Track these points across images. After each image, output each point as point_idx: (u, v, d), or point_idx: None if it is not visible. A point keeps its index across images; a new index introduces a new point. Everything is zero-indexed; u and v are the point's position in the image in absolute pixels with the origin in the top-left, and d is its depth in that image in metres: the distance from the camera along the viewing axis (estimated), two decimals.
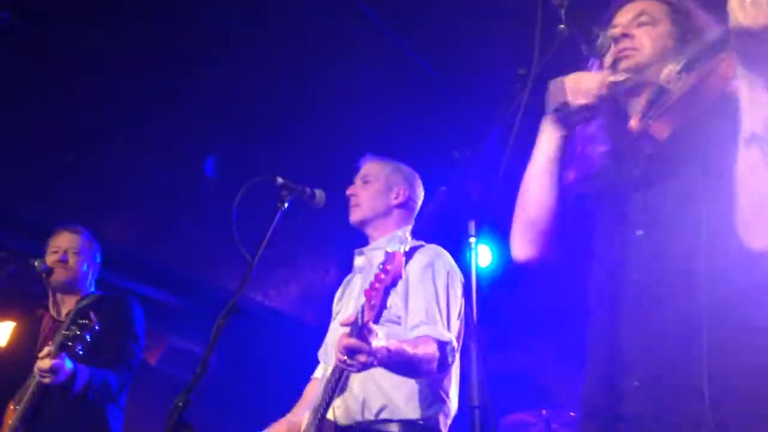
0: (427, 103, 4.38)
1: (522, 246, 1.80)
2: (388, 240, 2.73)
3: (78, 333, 2.88)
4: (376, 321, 1.93)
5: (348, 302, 2.72)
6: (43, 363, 2.86)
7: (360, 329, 2.00)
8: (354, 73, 4.23)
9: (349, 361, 2.06)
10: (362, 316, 1.99)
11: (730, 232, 1.44)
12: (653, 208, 1.64)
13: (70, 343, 2.87)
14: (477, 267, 1.28)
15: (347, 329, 2.46)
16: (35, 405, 3.03)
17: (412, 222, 2.87)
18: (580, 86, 1.64)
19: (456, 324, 2.47)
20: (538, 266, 1.82)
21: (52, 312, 3.44)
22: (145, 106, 4.46)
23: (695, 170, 1.57)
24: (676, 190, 1.61)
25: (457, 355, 2.48)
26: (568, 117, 1.71)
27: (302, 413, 2.63)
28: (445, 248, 2.63)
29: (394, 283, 1.85)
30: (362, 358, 2.04)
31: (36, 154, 4.69)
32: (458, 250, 1.47)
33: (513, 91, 1.42)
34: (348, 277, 2.93)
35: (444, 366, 2.37)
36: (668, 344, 1.54)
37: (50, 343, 2.98)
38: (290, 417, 2.65)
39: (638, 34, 1.71)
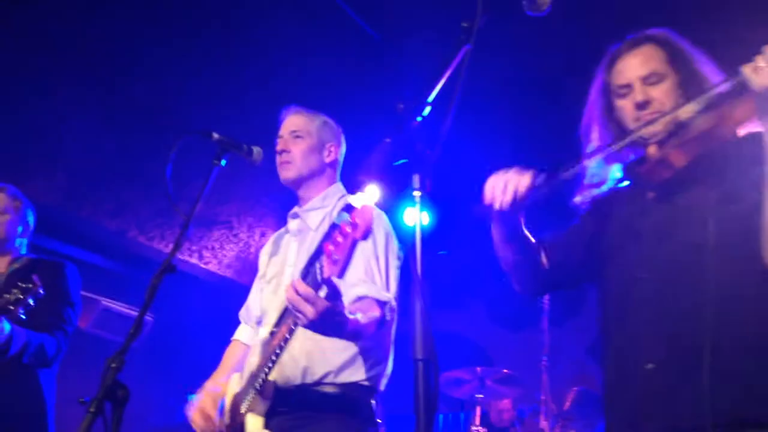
0: (367, 57, 4.32)
1: (524, 288, 2.11)
2: (323, 198, 2.67)
3: (21, 297, 2.77)
4: (340, 276, 1.85)
5: (283, 268, 2.62)
6: None
7: (318, 284, 1.92)
8: (290, 27, 4.13)
9: (302, 308, 1.96)
10: (321, 272, 1.90)
11: (737, 241, 1.68)
12: (664, 224, 1.84)
13: (11, 307, 2.76)
14: (419, 221, 1.28)
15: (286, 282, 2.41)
16: None
17: (339, 177, 2.79)
18: (491, 189, 1.88)
19: (394, 284, 2.46)
20: (550, 292, 2.04)
21: None
22: (75, 59, 4.26)
23: (709, 193, 1.77)
24: (687, 208, 1.80)
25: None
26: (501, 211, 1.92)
27: (224, 377, 2.58)
28: (387, 202, 2.56)
29: (364, 237, 1.76)
30: (309, 309, 1.95)
31: None
32: (398, 204, 1.46)
33: (456, 43, 1.41)
34: (277, 235, 2.83)
35: (381, 325, 2.37)
36: (676, 329, 1.72)
37: None
38: (210, 386, 2.57)
39: (655, 96, 1.88)
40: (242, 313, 2.81)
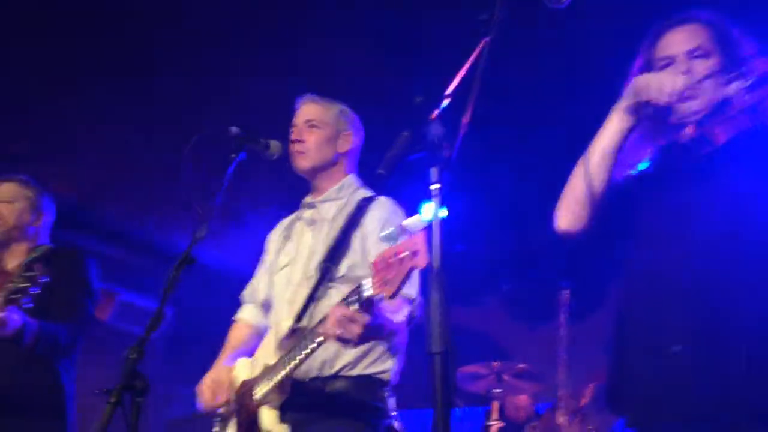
0: (386, 49, 4.30)
1: (570, 219, 1.95)
2: (338, 190, 2.65)
3: (23, 286, 2.79)
4: (392, 298, 1.83)
5: (297, 258, 2.59)
6: None
7: (363, 303, 1.93)
8: (309, 18, 4.12)
9: (345, 336, 1.99)
10: (361, 291, 1.91)
11: None
12: (699, 200, 1.79)
13: (17, 296, 2.79)
14: (438, 214, 1.27)
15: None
16: None
17: (355, 168, 2.75)
18: (665, 86, 1.74)
19: (418, 281, 2.45)
20: (577, 239, 1.96)
21: (1, 264, 3.33)
22: (99, 54, 4.30)
23: (747, 171, 1.73)
24: (726, 187, 1.76)
25: None
26: (642, 111, 1.82)
27: (230, 359, 2.58)
28: (404, 195, 2.52)
29: (425, 267, 1.66)
30: (359, 331, 1.98)
31: None
32: (417, 197, 1.45)
33: (476, 36, 1.40)
34: (287, 221, 2.80)
35: (410, 322, 2.37)
36: (709, 311, 1.67)
37: None
38: (221, 365, 2.57)
39: (699, 71, 1.84)
40: (246, 293, 2.79)
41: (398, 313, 2.26)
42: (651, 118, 1.85)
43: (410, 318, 2.34)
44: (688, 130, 1.82)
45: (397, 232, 1.77)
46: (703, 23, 1.92)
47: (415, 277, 2.40)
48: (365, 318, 1.97)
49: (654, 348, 1.74)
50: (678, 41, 1.90)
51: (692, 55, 1.87)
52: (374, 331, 2.08)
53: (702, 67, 1.85)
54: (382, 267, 1.81)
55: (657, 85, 1.74)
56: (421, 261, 1.68)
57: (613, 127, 1.86)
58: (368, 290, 1.91)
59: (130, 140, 5.07)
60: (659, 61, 1.91)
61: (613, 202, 1.92)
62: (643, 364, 1.77)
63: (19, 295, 2.79)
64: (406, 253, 1.72)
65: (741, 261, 1.66)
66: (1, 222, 3.26)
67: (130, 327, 6.38)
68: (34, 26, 4.06)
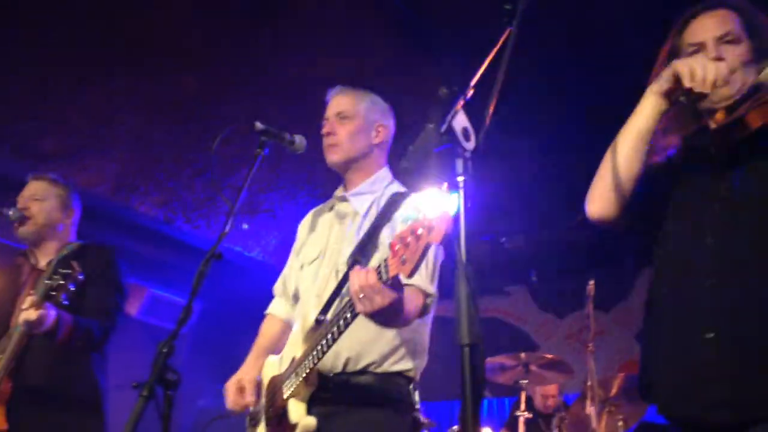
0: (409, 40, 4.29)
1: (602, 205, 1.91)
2: (371, 183, 2.61)
3: (62, 282, 2.84)
4: (410, 277, 1.81)
5: (325, 251, 2.58)
6: (28, 314, 2.84)
7: (384, 283, 1.91)
8: (329, 10, 4.12)
9: (372, 298, 1.95)
10: (386, 271, 1.87)
11: None
12: (734, 184, 1.77)
13: (53, 293, 2.84)
14: (463, 206, 1.27)
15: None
16: (19, 354, 3.02)
17: (386, 160, 2.70)
18: (706, 74, 1.71)
19: (436, 277, 2.43)
20: (610, 225, 1.92)
21: (32, 261, 3.38)
22: (123, 51, 4.34)
23: None
24: (760, 171, 1.74)
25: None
26: (677, 95, 1.79)
27: (263, 356, 2.59)
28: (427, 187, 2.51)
29: (441, 242, 1.66)
30: (378, 300, 1.94)
31: (6, 105, 4.59)
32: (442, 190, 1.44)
33: (500, 26, 1.39)
34: (317, 210, 2.77)
35: (422, 315, 2.36)
36: (744, 297, 1.66)
37: (32, 293, 2.94)
38: (252, 363, 2.59)
39: (728, 57, 1.82)
40: (278, 286, 2.79)
41: (412, 303, 2.25)
42: (681, 103, 1.83)
43: (423, 311, 2.33)
44: (719, 116, 1.79)
45: (415, 213, 1.75)
46: (731, 8, 1.89)
47: (435, 271, 2.40)
48: (389, 295, 1.96)
49: (686, 335, 1.73)
50: (707, 27, 1.87)
51: (722, 41, 1.84)
52: (392, 312, 2.06)
53: (732, 53, 1.82)
54: (399, 247, 1.80)
55: (698, 71, 1.71)
56: (436, 236, 1.65)
57: (648, 110, 1.83)
58: (387, 271, 1.90)
59: (158, 136, 5.12)
60: (688, 47, 1.89)
61: (645, 189, 1.89)
62: (675, 351, 1.76)
63: (58, 293, 2.84)
64: (422, 230, 1.70)
65: None
66: (32, 221, 3.31)
67: (160, 321, 6.46)
68: (62, 23, 4.11)
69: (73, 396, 3.14)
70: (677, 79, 1.75)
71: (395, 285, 1.94)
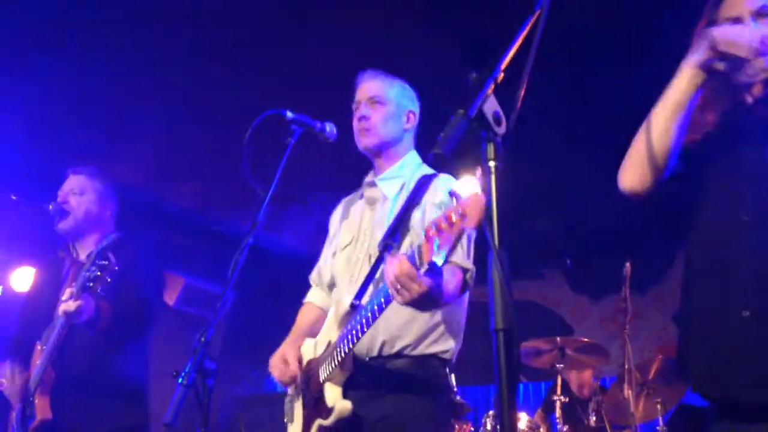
0: (439, 22, 4.25)
1: (635, 178, 1.86)
2: (400, 167, 2.63)
3: (99, 274, 2.90)
4: (444, 264, 1.82)
5: (359, 235, 2.60)
6: (68, 305, 2.91)
7: (415, 266, 1.92)
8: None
9: (408, 287, 1.96)
10: (420, 257, 1.88)
11: None
12: None
13: (91, 284, 2.90)
14: (496, 190, 1.26)
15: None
16: (60, 344, 3.09)
17: (414, 145, 2.72)
18: (744, 38, 1.69)
19: (471, 250, 2.43)
20: (642, 198, 1.88)
21: (73, 254, 3.46)
22: (156, 45, 4.39)
23: None
24: None
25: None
26: (713, 66, 1.75)
27: (301, 339, 2.62)
28: (458, 173, 2.49)
29: (475, 228, 1.67)
30: (415, 288, 1.97)
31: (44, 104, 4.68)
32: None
33: (529, 9, 1.38)
34: (348, 199, 2.81)
35: (464, 291, 2.37)
36: None
37: (72, 284, 3.01)
38: (291, 342, 2.61)
39: (765, 28, 1.77)
40: (314, 276, 2.82)
41: (452, 282, 2.25)
42: (718, 75, 1.78)
43: (463, 287, 2.34)
44: (756, 90, 1.75)
45: (448, 199, 1.74)
46: None
47: (470, 247, 2.41)
48: (426, 282, 1.97)
49: (722, 313, 1.71)
50: (742, 0, 1.83)
51: (759, 13, 1.80)
52: (429, 296, 2.06)
53: None
54: (433, 233, 1.80)
55: (736, 37, 1.68)
56: (471, 222, 1.65)
57: (684, 82, 1.79)
58: (421, 257, 1.90)
59: (192, 127, 5.17)
60: (726, 21, 1.84)
61: (679, 164, 1.85)
62: (712, 329, 1.74)
63: (95, 284, 2.90)
64: (456, 217, 1.71)
65: None
66: (72, 215, 3.38)
67: (197, 311, 6.56)
68: (93, 17, 4.16)
69: (116, 384, 3.20)
70: (715, 48, 1.72)
71: (432, 269, 1.94)
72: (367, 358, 2.39)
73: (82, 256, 3.41)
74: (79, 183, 3.44)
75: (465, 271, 2.34)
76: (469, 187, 1.60)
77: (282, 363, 2.52)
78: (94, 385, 3.15)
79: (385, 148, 2.62)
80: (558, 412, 4.67)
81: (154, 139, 5.24)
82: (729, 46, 1.69)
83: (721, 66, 1.75)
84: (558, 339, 4.83)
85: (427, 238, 1.83)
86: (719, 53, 1.71)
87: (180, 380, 1.96)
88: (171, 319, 5.80)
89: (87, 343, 3.13)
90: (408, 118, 2.66)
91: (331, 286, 2.68)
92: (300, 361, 2.54)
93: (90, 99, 4.80)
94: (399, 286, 1.98)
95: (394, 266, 1.97)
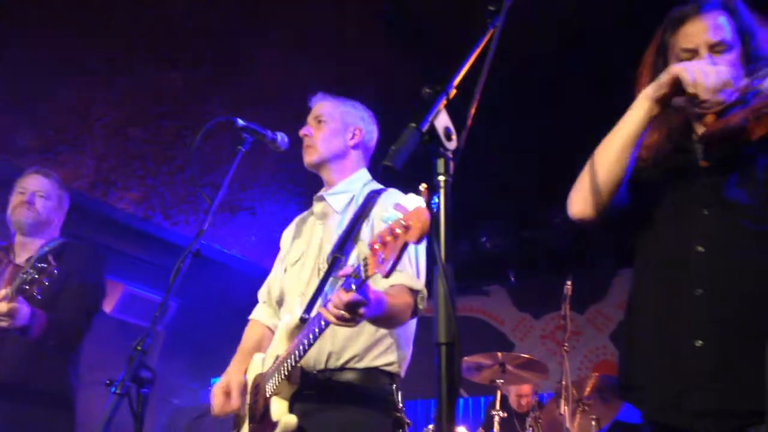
0: (394, 42, 4.29)
1: (583, 206, 1.91)
2: (348, 183, 2.66)
3: (36, 276, 2.82)
4: (387, 276, 1.81)
5: (308, 250, 2.61)
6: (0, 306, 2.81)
7: (362, 283, 1.92)
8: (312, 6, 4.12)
9: (347, 317, 1.99)
10: (365, 270, 1.89)
11: None
12: (726, 192, 1.76)
13: (27, 287, 2.81)
14: (443, 206, 1.28)
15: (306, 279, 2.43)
16: None
17: (366, 163, 2.76)
18: (707, 81, 1.71)
19: (424, 273, 2.45)
20: (591, 226, 1.91)
21: (12, 256, 3.36)
22: (102, 47, 4.30)
23: None
24: (754, 180, 1.74)
25: None
26: (674, 100, 1.79)
27: (245, 358, 2.60)
28: (409, 187, 2.52)
29: (418, 242, 1.66)
30: (362, 312, 1.99)
31: None
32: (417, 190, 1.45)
33: (483, 27, 1.40)
34: (300, 218, 2.83)
35: (416, 314, 2.38)
36: (733, 307, 1.67)
37: (7, 286, 2.92)
38: (236, 367, 2.59)
39: (719, 62, 1.81)
40: (262, 293, 2.81)
41: (400, 301, 2.27)
42: (671, 106, 1.83)
43: (414, 309, 2.35)
44: (709, 119, 1.78)
45: (394, 212, 1.75)
46: (726, 11, 1.88)
47: (419, 267, 2.43)
48: (365, 300, 1.98)
49: (674, 341, 1.73)
50: (702, 32, 1.86)
51: (715, 49, 1.84)
52: (375, 311, 2.08)
53: (724, 60, 1.82)
54: (379, 246, 1.81)
55: (702, 78, 1.71)
56: (414, 235, 1.66)
57: (639, 114, 1.82)
58: (366, 270, 1.91)
59: (136, 132, 5.08)
60: (682, 52, 1.88)
61: (629, 191, 1.89)
62: (662, 356, 1.76)
63: (32, 286, 2.81)
64: (400, 229, 1.72)
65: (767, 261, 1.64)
66: (34, 214, 3.31)
67: (135, 319, 6.40)
68: (39, 18, 4.06)
69: (44, 392, 3.12)
70: (675, 84, 1.75)
71: (367, 287, 1.96)
72: (315, 371, 2.38)
73: (21, 259, 3.32)
74: (45, 187, 3.39)
75: (415, 292, 2.35)
76: (414, 201, 1.61)
77: (223, 394, 2.50)
78: (22, 392, 3.06)
79: (327, 164, 2.67)
80: (496, 427, 4.72)
81: (98, 142, 5.12)
82: (692, 87, 1.72)
83: (680, 101, 1.79)
84: (499, 354, 4.88)
85: (373, 251, 1.85)
86: (677, 90, 1.75)
87: (113, 389, 1.92)
88: (108, 327, 5.65)
89: (19, 349, 3.05)
90: (353, 135, 2.71)
91: (280, 302, 2.67)
92: (245, 387, 2.51)
93: (32, 100, 4.66)
94: (345, 316, 2.00)
95: (335, 305, 1.98)
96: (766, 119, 1.69)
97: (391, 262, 1.77)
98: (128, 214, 5.82)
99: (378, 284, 2.27)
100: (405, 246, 1.73)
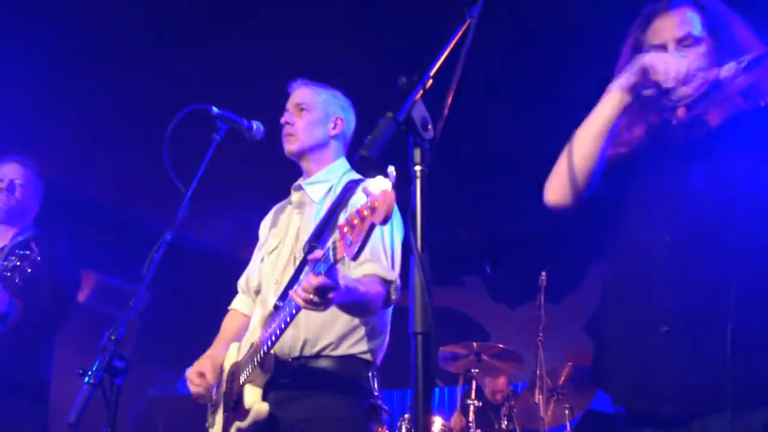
0: (365, 29, 4.27)
1: (559, 194, 1.95)
2: (327, 172, 2.65)
3: (18, 264, 2.78)
4: (354, 258, 1.82)
5: (285, 239, 2.61)
6: None
7: (331, 267, 1.93)
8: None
9: (316, 300, 1.99)
10: (334, 253, 1.89)
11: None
12: (691, 181, 1.80)
13: (8, 274, 2.78)
14: (420, 195, 1.28)
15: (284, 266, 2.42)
16: None
17: (345, 152, 2.74)
18: (673, 70, 1.76)
19: (398, 263, 2.46)
20: (566, 213, 1.95)
21: None
22: (83, 37, 4.24)
23: (742, 156, 1.74)
24: (719, 167, 1.78)
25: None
26: (641, 90, 1.83)
27: (223, 347, 2.59)
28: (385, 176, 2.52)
29: (383, 222, 1.67)
30: (331, 296, 1.99)
31: None
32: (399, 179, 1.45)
33: (460, 15, 1.40)
34: (278, 207, 2.82)
35: (388, 304, 2.39)
36: (698, 293, 1.71)
37: None
38: (211, 352, 2.59)
39: (688, 56, 1.84)
40: (241, 283, 2.80)
41: (371, 290, 2.27)
42: (643, 97, 1.86)
43: (386, 298, 2.35)
44: (680, 112, 1.83)
45: (363, 197, 1.76)
46: (694, 6, 1.92)
47: (394, 257, 2.43)
48: (334, 284, 1.98)
49: (642, 328, 1.77)
50: (669, 28, 1.90)
51: (683, 44, 1.88)
52: (345, 298, 2.09)
53: (692, 54, 1.86)
54: (347, 229, 1.82)
55: (665, 66, 1.76)
56: (379, 216, 1.67)
57: (611, 104, 1.87)
58: (335, 253, 1.91)
59: (110, 120, 5.01)
60: (651, 49, 1.92)
61: (604, 179, 1.92)
62: (630, 343, 1.80)
63: (13, 273, 2.79)
64: (366, 211, 1.73)
65: (732, 242, 1.68)
66: (11, 201, 3.27)
67: (109, 309, 6.34)
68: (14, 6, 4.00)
69: (16, 382, 3.09)
70: (643, 73, 1.80)
71: (336, 271, 1.97)
72: (290, 359, 2.38)
73: None
74: (24, 176, 3.38)
75: (388, 282, 2.36)
76: (380, 183, 1.62)
77: (197, 376, 2.49)
78: None
79: (308, 153, 2.65)
80: (471, 416, 4.75)
81: (71, 131, 5.05)
82: (657, 74, 1.77)
83: (649, 91, 1.83)
84: (474, 344, 4.92)
85: (341, 234, 1.86)
86: (647, 79, 1.79)
87: (86, 379, 1.90)
88: (81, 316, 5.59)
89: None
90: (335, 125, 2.69)
91: (258, 291, 2.67)
92: (221, 371, 2.50)
93: (5, 90, 4.58)
94: (315, 300, 2.00)
95: (305, 289, 1.99)
96: (723, 107, 1.74)
97: (359, 245, 1.78)
98: (100, 203, 5.76)
99: (351, 273, 2.29)
100: (372, 227, 1.74)
